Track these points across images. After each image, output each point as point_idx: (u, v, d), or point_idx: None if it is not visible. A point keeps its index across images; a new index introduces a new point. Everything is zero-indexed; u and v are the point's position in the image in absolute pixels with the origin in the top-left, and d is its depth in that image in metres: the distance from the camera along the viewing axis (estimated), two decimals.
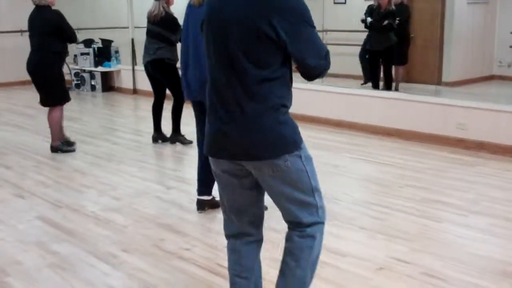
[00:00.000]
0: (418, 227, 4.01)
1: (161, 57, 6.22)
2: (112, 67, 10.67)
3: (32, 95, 10.63)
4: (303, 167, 2.50)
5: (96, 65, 10.76)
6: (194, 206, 4.46)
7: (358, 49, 8.71)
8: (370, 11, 7.92)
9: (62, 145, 6.12)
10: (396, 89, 7.70)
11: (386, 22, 7.69)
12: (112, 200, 4.59)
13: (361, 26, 8.00)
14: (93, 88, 10.85)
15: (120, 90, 10.68)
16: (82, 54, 10.78)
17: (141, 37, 8.06)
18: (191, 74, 4.04)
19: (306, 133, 6.82)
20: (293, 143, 2.37)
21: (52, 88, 5.97)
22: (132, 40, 10.06)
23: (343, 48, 8.86)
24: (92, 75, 10.86)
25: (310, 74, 2.36)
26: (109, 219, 4.18)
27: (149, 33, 6.29)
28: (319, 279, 3.22)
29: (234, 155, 2.35)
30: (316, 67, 2.33)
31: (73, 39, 6.05)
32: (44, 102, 6.00)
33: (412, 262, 3.45)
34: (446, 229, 4.00)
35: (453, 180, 5.06)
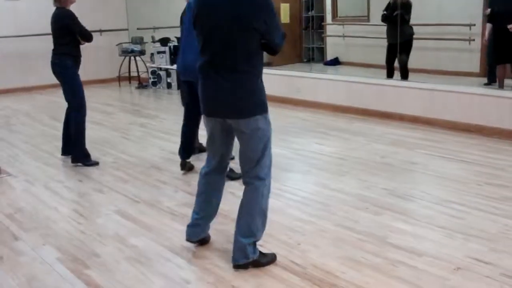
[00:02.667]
0: (497, 226, 3.87)
1: None
2: None
3: (109, 93, 11.01)
4: (267, 127, 3.24)
5: (172, 63, 10.98)
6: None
7: (433, 43, 8.51)
8: (388, 5, 8.23)
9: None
10: (501, 87, 7.30)
11: (395, 13, 7.99)
12: (187, 196, 4.67)
13: (437, 20, 7.80)
14: (169, 85, 11.08)
15: None
16: (158, 52, 11.03)
17: None
18: (190, 58, 4.66)
19: (381, 129, 6.79)
20: (265, 106, 3.20)
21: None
22: None
23: (417, 43, 8.67)
24: (168, 73, 11.09)
25: (276, 50, 3.25)
26: (184, 214, 4.25)
27: None
28: (393, 278, 3.18)
29: (224, 114, 3.18)
30: (279, 45, 3.23)
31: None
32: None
33: (491, 262, 3.33)
34: None
35: None
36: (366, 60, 9.60)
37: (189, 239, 3.63)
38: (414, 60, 8.52)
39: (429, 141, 6.28)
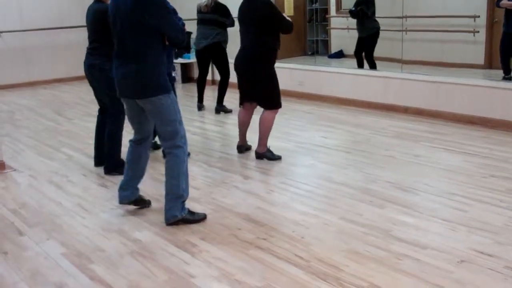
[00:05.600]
0: (502, 219, 3.86)
1: (219, 40, 7.55)
2: (192, 58, 10.82)
3: None
4: (171, 104, 3.83)
5: (176, 56, 10.95)
6: (271, 196, 4.49)
7: (437, 35, 8.47)
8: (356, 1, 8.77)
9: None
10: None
11: (358, 8, 8.60)
12: (191, 190, 4.65)
13: (441, 12, 7.76)
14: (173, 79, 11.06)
15: None
16: None
17: None
18: None
19: (385, 122, 6.77)
20: (165, 88, 3.80)
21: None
22: None
23: (421, 35, 8.64)
24: (172, 66, 11.07)
25: (175, 43, 3.89)
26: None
27: (204, 21, 7.58)
28: (397, 271, 3.18)
29: (132, 94, 3.82)
30: (177, 38, 3.81)
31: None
32: None
33: (496, 255, 3.33)
34: None
35: None
36: None
37: (121, 201, 4.19)
38: (419, 52, 8.50)
39: (433, 133, 6.26)
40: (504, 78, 6.97)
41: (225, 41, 7.66)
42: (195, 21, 7.89)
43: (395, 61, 8.00)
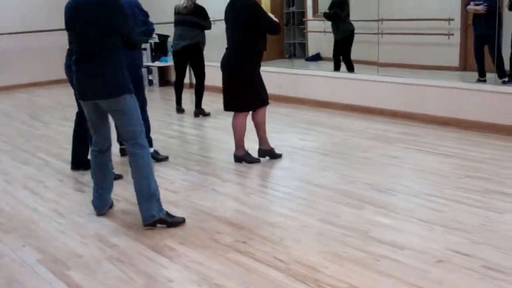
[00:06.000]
0: (478, 218, 3.91)
1: (198, 41, 7.60)
2: (169, 62, 10.78)
3: None
4: (135, 104, 3.93)
5: (153, 60, 10.92)
6: (250, 198, 4.49)
7: (413, 38, 8.55)
8: (330, 4, 8.94)
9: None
10: None
11: (332, 11, 8.75)
12: (169, 193, 4.65)
13: (417, 15, 7.82)
14: (150, 82, 11.00)
15: None
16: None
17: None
18: None
19: (362, 124, 6.81)
20: (129, 88, 3.90)
21: None
22: None
23: (397, 38, 8.71)
24: (149, 70, 11.02)
25: (134, 44, 4.13)
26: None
27: (183, 22, 7.56)
28: (376, 272, 3.20)
29: (98, 95, 3.88)
30: (134, 39, 4.10)
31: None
32: None
33: (472, 254, 3.36)
34: (507, 221, 3.88)
35: None
36: None
37: (100, 212, 4.26)
38: (395, 55, 8.55)
39: (409, 135, 6.32)
40: (479, 81, 7.06)
41: (203, 43, 7.73)
42: (172, 24, 7.89)
43: (371, 64, 8.06)
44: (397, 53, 8.65)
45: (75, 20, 3.89)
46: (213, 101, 8.21)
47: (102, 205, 4.26)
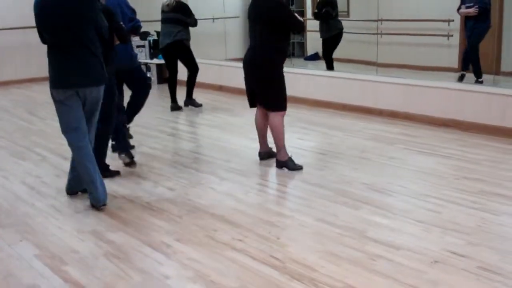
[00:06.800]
0: (475, 220, 3.91)
1: (181, 38, 7.73)
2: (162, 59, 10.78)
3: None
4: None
5: (151, 57, 10.91)
6: (247, 197, 4.49)
7: (412, 39, 8.56)
8: (318, 3, 9.16)
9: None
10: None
11: (323, 10, 8.85)
12: (167, 191, 4.65)
13: (416, 16, 7.85)
14: (148, 80, 10.99)
15: None
16: (138, 46, 10.93)
17: (197, 29, 8.13)
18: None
19: (360, 124, 6.81)
20: (106, 79, 4.25)
21: None
22: None
23: (396, 38, 8.72)
24: (148, 68, 11.02)
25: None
26: (163, 210, 4.23)
27: (167, 20, 7.73)
28: (372, 272, 3.20)
29: (86, 83, 4.14)
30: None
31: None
32: None
33: (469, 255, 3.37)
34: (504, 222, 3.88)
35: None
36: (346, 55, 9.61)
37: (72, 191, 4.58)
38: (394, 55, 8.57)
39: (407, 136, 6.32)
40: (477, 82, 7.08)
41: (187, 39, 7.89)
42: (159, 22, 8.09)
43: (370, 64, 8.07)
44: (396, 53, 8.67)
45: (56, 13, 4.11)
46: (207, 98, 8.21)
47: (76, 184, 4.53)
